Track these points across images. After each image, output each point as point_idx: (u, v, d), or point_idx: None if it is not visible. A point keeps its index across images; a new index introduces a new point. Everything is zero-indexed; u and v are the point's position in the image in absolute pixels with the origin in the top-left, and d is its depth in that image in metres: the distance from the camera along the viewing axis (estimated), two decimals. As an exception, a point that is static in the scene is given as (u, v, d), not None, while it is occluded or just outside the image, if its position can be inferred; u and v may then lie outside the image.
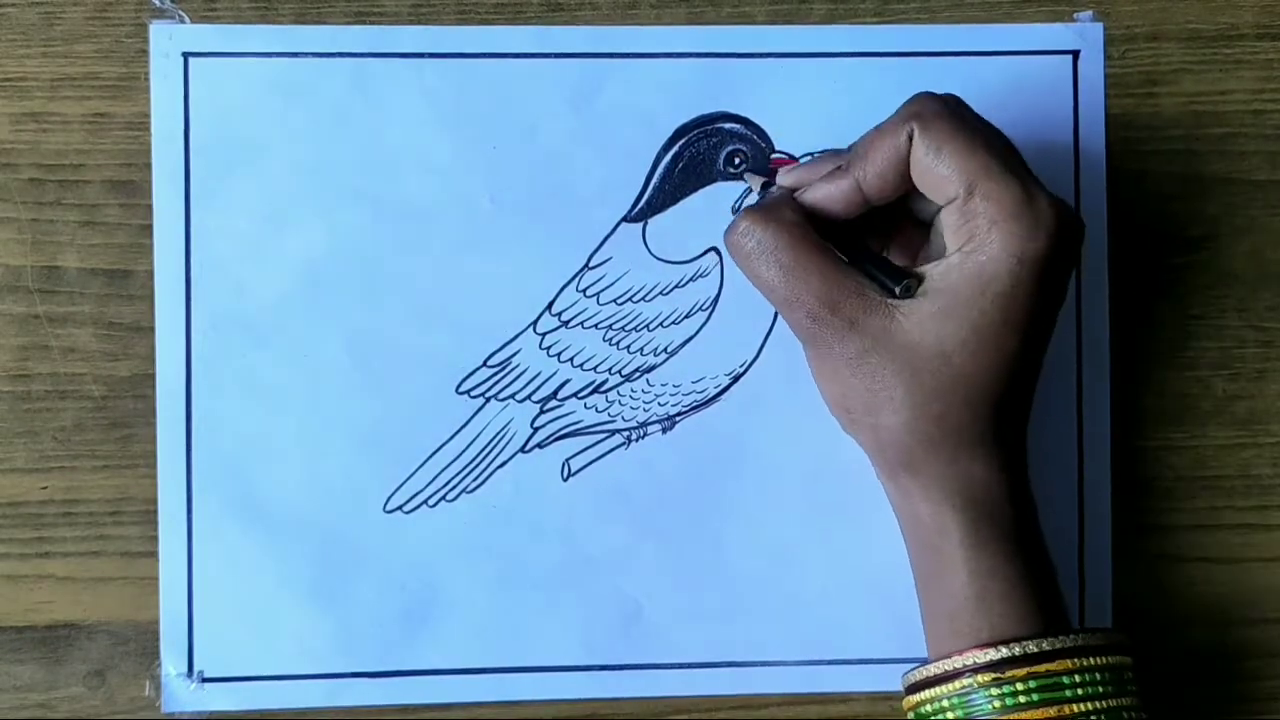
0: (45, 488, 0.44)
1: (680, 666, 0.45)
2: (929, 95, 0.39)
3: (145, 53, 0.44)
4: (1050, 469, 0.45)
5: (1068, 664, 0.36)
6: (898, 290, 0.38)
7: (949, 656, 0.37)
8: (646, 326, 0.45)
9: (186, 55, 0.44)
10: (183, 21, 0.44)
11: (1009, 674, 0.36)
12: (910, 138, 0.37)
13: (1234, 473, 0.46)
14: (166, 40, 0.44)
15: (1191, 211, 0.46)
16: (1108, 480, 0.46)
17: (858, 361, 0.38)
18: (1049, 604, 0.38)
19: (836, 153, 0.41)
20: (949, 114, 0.38)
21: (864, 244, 0.40)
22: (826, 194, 0.40)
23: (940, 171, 0.37)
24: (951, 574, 0.38)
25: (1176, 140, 0.46)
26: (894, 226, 0.41)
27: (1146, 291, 0.46)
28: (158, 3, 0.44)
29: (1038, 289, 0.37)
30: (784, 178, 0.42)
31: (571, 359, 0.45)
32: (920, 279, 0.38)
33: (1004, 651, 0.37)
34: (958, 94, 0.39)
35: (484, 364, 0.45)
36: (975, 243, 0.37)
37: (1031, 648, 0.37)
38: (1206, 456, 0.46)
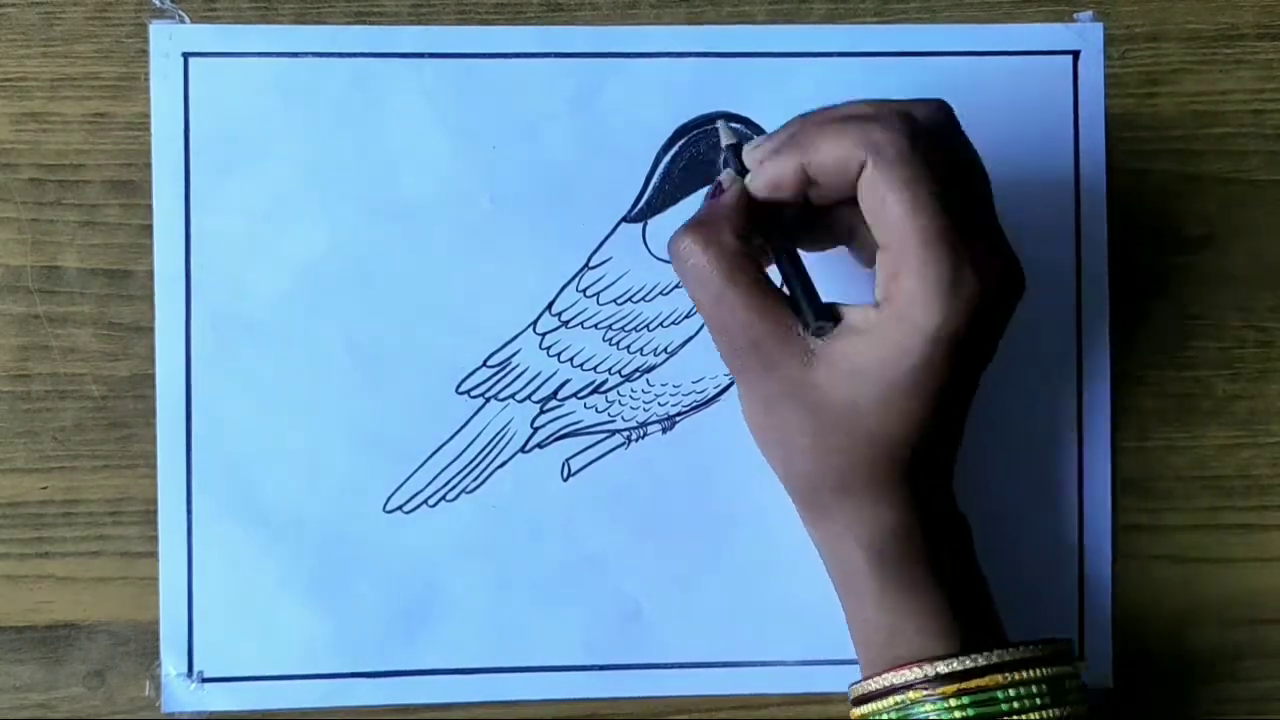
0: (45, 488, 0.44)
1: (680, 666, 0.45)
2: (902, 121, 0.36)
3: (145, 53, 0.44)
4: (1050, 469, 0.45)
5: (998, 678, 0.37)
6: (811, 330, 0.37)
7: (881, 674, 0.38)
8: (646, 326, 0.45)
9: (186, 55, 0.44)
10: (183, 21, 0.44)
11: (940, 690, 0.37)
12: (861, 167, 0.36)
13: (1234, 473, 0.46)
14: (166, 40, 0.44)
15: (1191, 211, 0.46)
16: (1108, 480, 0.46)
17: (772, 403, 0.38)
18: (975, 624, 0.38)
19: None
20: (907, 158, 0.36)
21: (799, 263, 0.39)
22: (773, 178, 0.38)
23: (881, 218, 0.36)
24: (866, 607, 0.38)
25: (1176, 140, 0.46)
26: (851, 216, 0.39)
27: (1146, 291, 0.46)
28: (158, 3, 0.44)
29: (957, 360, 0.36)
30: (747, 155, 0.39)
31: (571, 359, 0.45)
32: (838, 320, 0.37)
33: (926, 670, 0.37)
34: (954, 99, 0.38)
35: (484, 364, 0.45)
36: (894, 308, 0.36)
37: (955, 665, 0.37)
38: (1206, 456, 0.46)
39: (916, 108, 0.38)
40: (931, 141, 0.37)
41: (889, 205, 0.36)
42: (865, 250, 0.40)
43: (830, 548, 0.39)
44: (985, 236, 0.37)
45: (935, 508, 0.39)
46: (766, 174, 0.38)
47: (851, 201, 0.37)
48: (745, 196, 0.39)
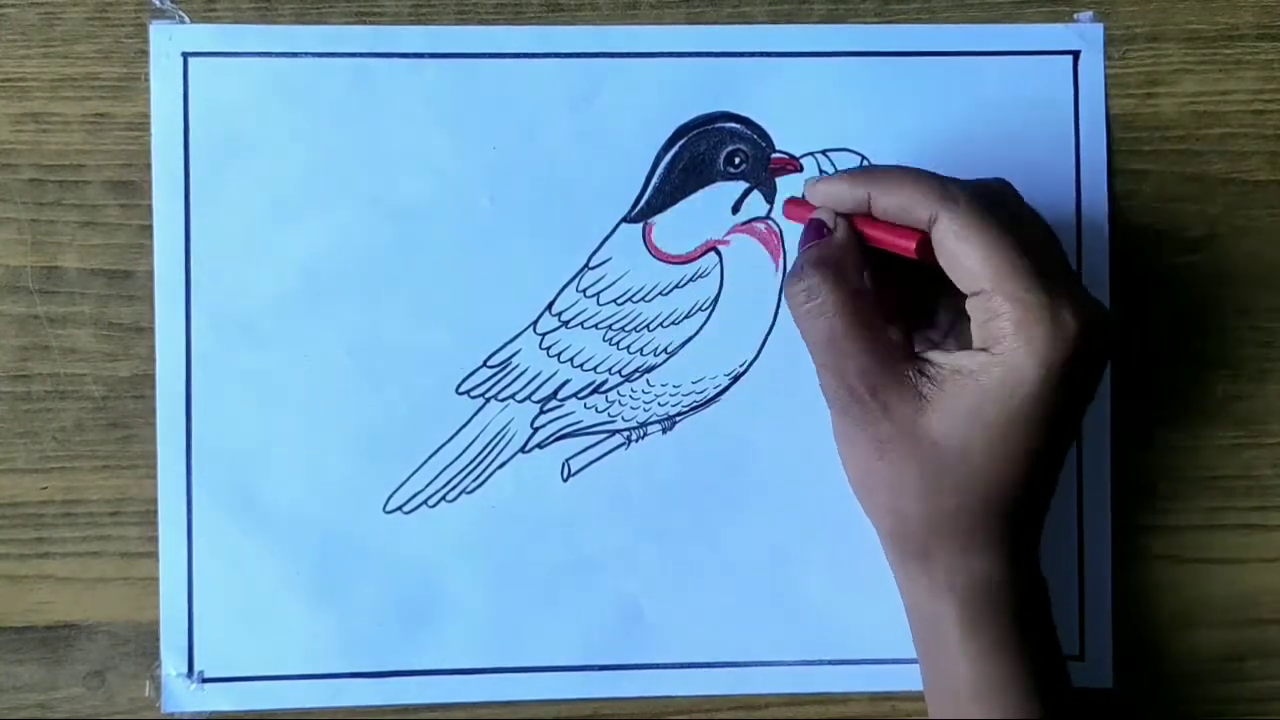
0: (45, 488, 0.44)
1: (680, 666, 0.45)
2: (968, 183, 0.38)
3: (145, 53, 0.44)
4: (1050, 469, 0.45)
5: None
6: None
7: None
8: (646, 326, 0.45)
9: (186, 55, 0.44)
10: (183, 21, 0.44)
11: None
12: (933, 220, 0.37)
13: (1234, 473, 0.46)
14: (166, 40, 0.44)
15: (1191, 211, 0.46)
16: (1108, 480, 0.46)
17: (884, 447, 0.38)
18: (1051, 693, 0.38)
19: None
20: (981, 208, 0.37)
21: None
22: (833, 195, 0.39)
23: (965, 264, 0.37)
24: (951, 658, 0.38)
25: (1176, 140, 0.46)
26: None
27: (1146, 291, 0.46)
28: (158, 3, 0.44)
29: (1063, 394, 0.37)
30: (819, 191, 0.40)
31: (571, 359, 0.45)
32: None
33: None
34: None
35: (484, 364, 0.45)
36: (1002, 346, 0.36)
37: None
38: (1206, 456, 0.46)
39: (979, 183, 0.39)
40: (998, 201, 0.38)
41: (973, 247, 0.36)
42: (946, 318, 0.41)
43: (921, 596, 0.39)
44: (1071, 281, 0.38)
45: (1027, 562, 0.39)
46: (825, 190, 0.39)
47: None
48: (855, 235, 0.39)
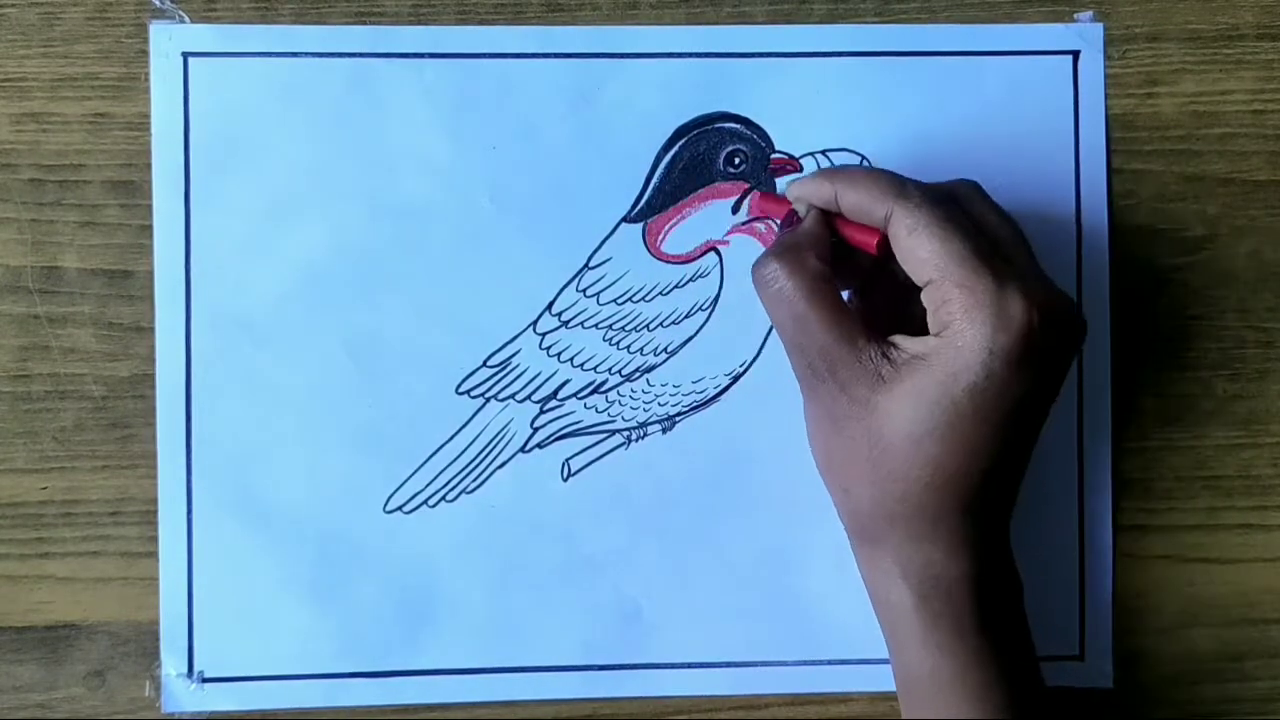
0: (45, 488, 0.44)
1: (680, 666, 0.45)
2: (926, 184, 0.39)
3: (145, 53, 0.44)
4: (1050, 469, 0.45)
5: None
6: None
7: None
8: (646, 326, 0.45)
9: (186, 55, 0.44)
10: (183, 21, 0.44)
11: None
12: (889, 215, 0.38)
13: (1234, 473, 0.46)
14: (166, 40, 0.44)
15: (1191, 211, 0.46)
16: (1108, 480, 0.46)
17: (839, 424, 0.39)
18: (1015, 688, 0.38)
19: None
20: (933, 201, 0.38)
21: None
22: (804, 195, 0.41)
23: (917, 255, 0.38)
24: (908, 649, 0.39)
25: (1176, 140, 0.46)
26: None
27: (1146, 291, 0.46)
28: (158, 3, 0.44)
29: (1016, 383, 0.37)
30: (793, 190, 0.42)
31: (571, 359, 0.45)
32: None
33: None
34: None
35: (484, 364, 0.45)
36: (950, 330, 0.37)
37: None
38: (1206, 456, 0.46)
39: (943, 183, 0.40)
40: (962, 200, 0.39)
41: (923, 239, 0.37)
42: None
43: (877, 584, 0.40)
44: (1029, 274, 0.38)
45: (989, 556, 0.39)
46: (799, 187, 0.41)
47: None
48: (824, 225, 0.41)
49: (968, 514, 0.38)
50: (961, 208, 0.39)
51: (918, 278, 0.38)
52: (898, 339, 0.38)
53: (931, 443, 0.37)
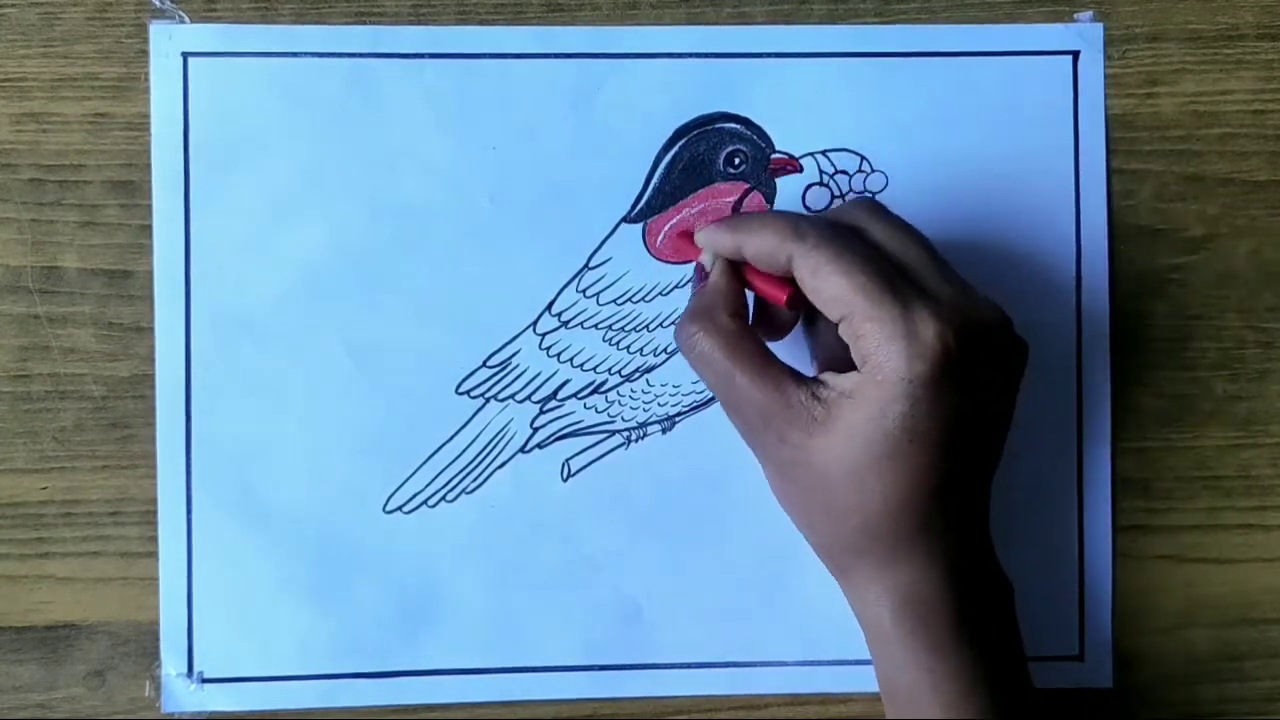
0: (45, 488, 0.44)
1: (680, 666, 0.45)
2: (820, 218, 0.39)
3: (145, 53, 0.44)
4: (1050, 469, 0.45)
5: None
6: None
7: None
8: (646, 327, 0.45)
9: (186, 55, 0.44)
10: (183, 21, 0.44)
11: None
12: (790, 260, 0.38)
13: (1234, 473, 0.46)
14: (166, 40, 0.44)
15: (1191, 211, 0.46)
16: (1108, 480, 0.46)
17: (786, 471, 0.39)
18: (999, 693, 0.38)
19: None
20: (830, 236, 0.38)
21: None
22: (713, 247, 0.41)
23: (823, 295, 0.37)
24: (887, 659, 0.39)
25: (1176, 140, 0.46)
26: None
27: (1146, 291, 0.46)
28: (158, 3, 0.44)
29: (941, 404, 0.36)
30: (700, 239, 0.41)
31: (571, 359, 0.45)
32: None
33: None
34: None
35: (484, 364, 0.45)
36: (869, 365, 0.37)
37: None
38: (1206, 456, 0.46)
39: (837, 210, 0.40)
40: (857, 228, 0.39)
41: (826, 279, 0.37)
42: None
43: (856, 606, 0.40)
44: (938, 285, 0.38)
45: (964, 567, 0.39)
46: (704, 238, 0.41)
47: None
48: (732, 277, 0.40)
49: (930, 533, 0.38)
50: (861, 236, 0.39)
51: (830, 315, 0.38)
52: (826, 377, 0.38)
53: (874, 477, 0.37)
